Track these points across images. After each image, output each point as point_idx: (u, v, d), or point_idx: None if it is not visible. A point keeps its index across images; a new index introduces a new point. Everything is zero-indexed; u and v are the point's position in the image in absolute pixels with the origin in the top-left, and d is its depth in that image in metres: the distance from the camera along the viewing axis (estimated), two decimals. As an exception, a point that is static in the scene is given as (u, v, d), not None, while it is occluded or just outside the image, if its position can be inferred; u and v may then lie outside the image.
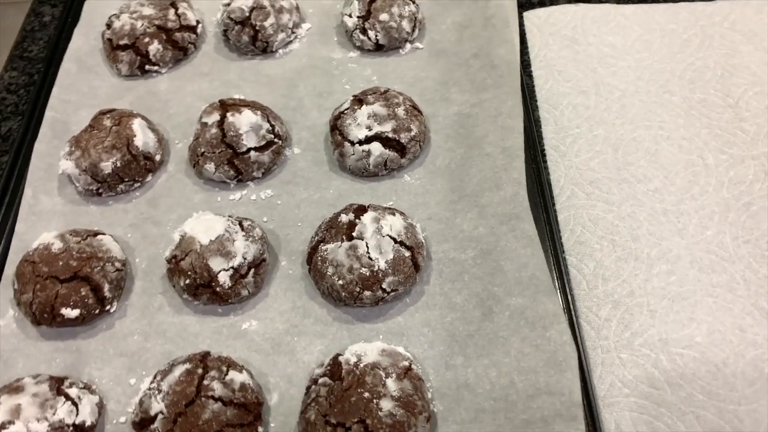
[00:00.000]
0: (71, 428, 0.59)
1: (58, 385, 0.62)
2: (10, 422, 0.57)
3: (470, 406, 0.61)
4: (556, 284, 0.68)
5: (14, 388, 0.60)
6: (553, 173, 0.80)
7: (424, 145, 0.81)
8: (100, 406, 0.63)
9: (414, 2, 0.92)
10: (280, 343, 0.67)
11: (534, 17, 0.97)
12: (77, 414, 0.60)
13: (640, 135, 0.84)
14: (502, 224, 0.72)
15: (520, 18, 0.96)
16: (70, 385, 0.62)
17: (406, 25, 0.90)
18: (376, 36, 0.90)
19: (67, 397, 0.60)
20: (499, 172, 0.77)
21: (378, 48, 0.91)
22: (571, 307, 0.66)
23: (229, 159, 0.77)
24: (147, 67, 0.91)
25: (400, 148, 0.78)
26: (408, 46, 0.92)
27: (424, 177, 0.79)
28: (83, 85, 0.90)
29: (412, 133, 0.78)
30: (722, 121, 0.85)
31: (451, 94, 0.86)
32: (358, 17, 0.90)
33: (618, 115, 0.86)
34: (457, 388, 0.62)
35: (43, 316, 0.66)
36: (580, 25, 0.95)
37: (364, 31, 0.90)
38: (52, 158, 0.81)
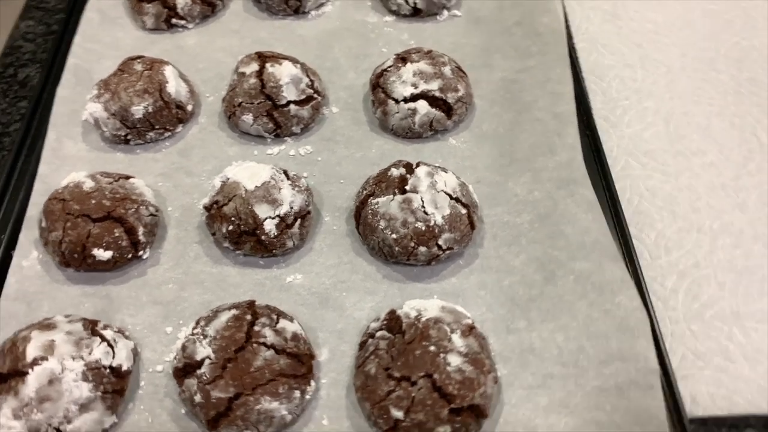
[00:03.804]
0: (108, 370, 0.54)
1: (92, 326, 0.56)
2: (44, 358, 0.52)
3: (537, 371, 0.56)
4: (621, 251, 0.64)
5: (46, 325, 0.55)
6: (605, 143, 0.77)
7: (469, 109, 0.77)
8: (135, 353, 0.58)
9: (454, -32, 0.89)
10: (328, 298, 0.62)
11: (574, -8, 0.94)
12: (113, 356, 0.55)
13: (691, 110, 0.81)
14: (559, 189, 0.68)
15: (560, -9, 0.93)
16: (105, 327, 0.57)
17: (445, -10, 0.87)
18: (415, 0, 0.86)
19: (103, 338, 0.55)
20: (552, 137, 0.73)
21: (414, 13, 0.88)
22: (639, 274, 0.62)
23: (268, 111, 0.72)
24: (174, 20, 0.86)
25: (446, 109, 0.74)
26: (445, 12, 0.89)
27: (471, 140, 0.75)
28: (106, 36, 0.86)
29: (459, 94, 0.74)
30: (773, 100, 0.83)
31: (493, 61, 0.83)
32: (398, -20, 0.86)
33: (666, 89, 0.83)
34: (521, 352, 0.57)
35: (73, 257, 0.61)
36: (621, 1, 0.93)
37: (402, -5, 0.86)
38: (75, 104, 0.76)
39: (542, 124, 0.75)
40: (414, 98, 0.73)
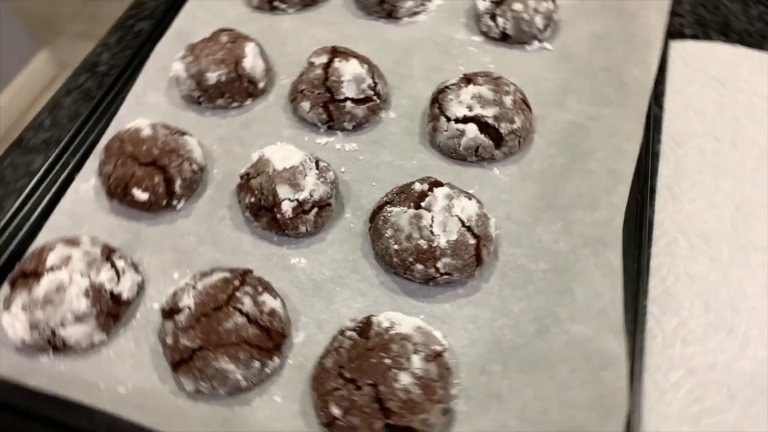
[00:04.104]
0: (108, 294, 0.60)
1: (109, 252, 0.63)
2: (59, 267, 0.59)
3: (495, 418, 0.54)
4: (627, 328, 0.60)
5: (71, 241, 0.63)
6: (658, 213, 0.71)
7: (523, 143, 0.75)
8: (140, 287, 0.64)
9: (554, 1, 0.86)
10: (322, 288, 0.64)
11: (682, 48, 0.88)
12: (117, 284, 0.61)
13: (773, 202, 0.73)
14: (586, 246, 0.65)
15: (666, 46, 0.87)
16: (120, 257, 0.64)
17: (539, 20, 0.85)
18: (505, 24, 0.85)
19: (113, 266, 0.62)
20: (598, 192, 0.69)
21: (503, 38, 0.87)
22: (638, 357, 0.58)
23: (325, 103, 0.76)
24: (276, 3, 0.92)
25: (496, 138, 0.73)
26: (536, 43, 0.87)
27: (515, 176, 0.73)
28: (215, 6, 0.94)
29: (514, 126, 0.73)
30: None
31: (567, 101, 0.80)
32: (491, 2, 0.86)
33: (752, 172, 0.75)
34: (486, 395, 0.56)
35: (116, 191, 0.69)
36: (733, 69, 0.86)
37: (493, 17, 0.86)
38: (168, 61, 0.84)
39: (594, 176, 0.71)
40: (465, 120, 0.73)
